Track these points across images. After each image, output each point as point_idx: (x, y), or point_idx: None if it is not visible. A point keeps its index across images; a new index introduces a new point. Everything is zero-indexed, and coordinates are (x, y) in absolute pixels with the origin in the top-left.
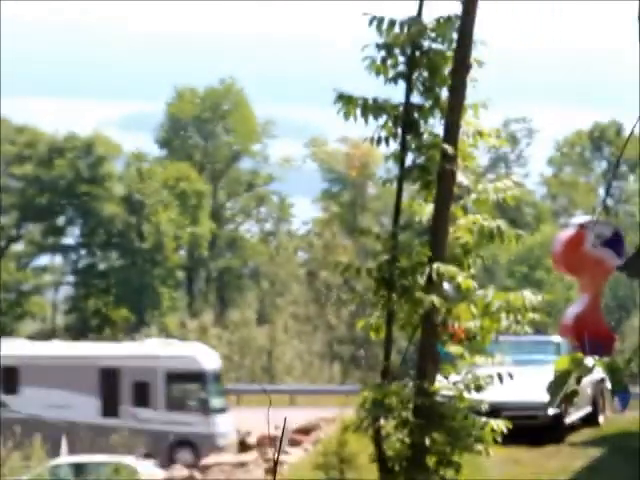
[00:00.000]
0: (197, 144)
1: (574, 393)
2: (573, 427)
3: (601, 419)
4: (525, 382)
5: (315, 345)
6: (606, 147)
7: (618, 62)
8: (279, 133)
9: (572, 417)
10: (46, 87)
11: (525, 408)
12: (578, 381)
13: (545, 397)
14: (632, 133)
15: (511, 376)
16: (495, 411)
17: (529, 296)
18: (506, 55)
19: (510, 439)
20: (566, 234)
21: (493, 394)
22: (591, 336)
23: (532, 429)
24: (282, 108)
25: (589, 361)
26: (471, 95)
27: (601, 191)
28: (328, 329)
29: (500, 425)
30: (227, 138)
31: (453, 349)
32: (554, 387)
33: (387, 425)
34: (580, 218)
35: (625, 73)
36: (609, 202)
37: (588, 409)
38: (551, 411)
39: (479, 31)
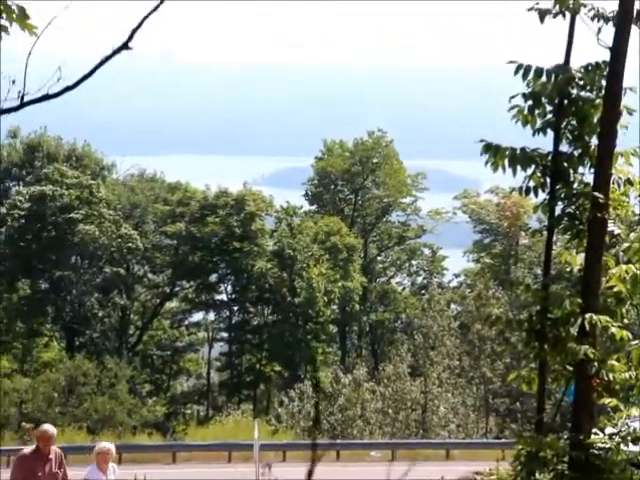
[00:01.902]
0: (347, 198)
1: None
2: None
3: None
4: None
5: (470, 398)
6: None
7: None
8: (429, 186)
9: None
10: (198, 144)
11: None
12: None
13: None
14: None
15: None
16: None
17: None
18: None
19: None
20: None
21: None
22: None
23: None
24: (431, 161)
25: None
26: (622, 142)
27: None
28: (483, 382)
29: None
30: (377, 191)
31: (608, 401)
32: None
33: (543, 478)
34: None
35: None
36: None
37: None
38: None
39: (629, 77)
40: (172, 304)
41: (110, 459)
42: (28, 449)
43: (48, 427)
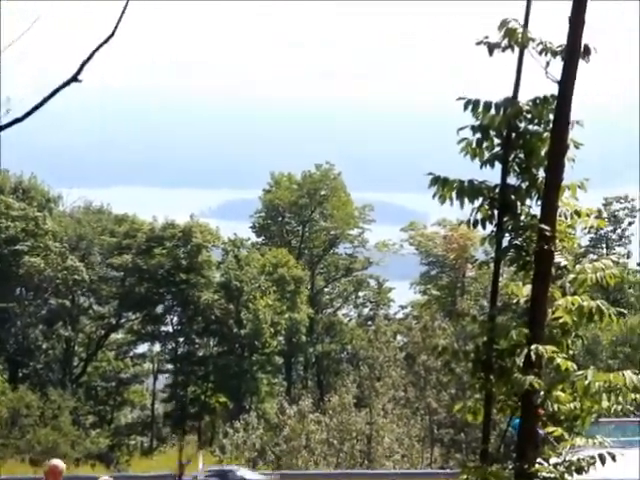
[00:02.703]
0: (294, 230)
1: None
2: None
3: None
4: (629, 463)
5: (415, 429)
6: None
7: None
8: (376, 218)
9: None
10: (146, 177)
11: None
12: None
13: None
14: None
15: (613, 457)
16: None
17: (630, 376)
18: (609, 132)
19: None
20: None
21: (596, 476)
22: None
23: None
24: (379, 193)
25: None
26: (569, 175)
27: None
28: (428, 412)
29: None
30: (324, 223)
31: (553, 430)
32: None
33: None
34: None
35: None
36: None
37: None
38: None
39: (576, 111)
40: (117, 335)
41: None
42: None
43: (58, 462)
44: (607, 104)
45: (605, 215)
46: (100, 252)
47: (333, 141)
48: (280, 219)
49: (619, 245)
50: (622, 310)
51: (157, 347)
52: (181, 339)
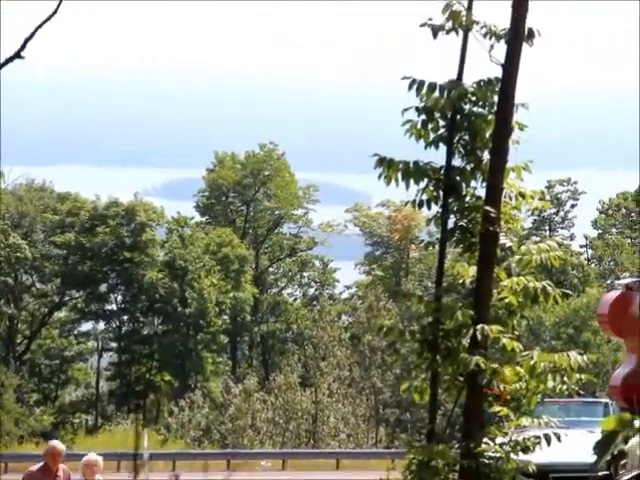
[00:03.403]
0: (238, 209)
1: (622, 453)
2: None
3: None
4: (574, 443)
5: (360, 408)
6: None
7: None
8: (321, 198)
9: (622, 478)
10: (88, 155)
11: (575, 470)
12: (625, 441)
13: (594, 458)
14: None
15: (559, 437)
16: (544, 473)
17: (574, 356)
18: (551, 114)
19: None
20: (612, 295)
21: (542, 456)
22: None
23: None
24: (323, 174)
25: (637, 421)
26: (514, 157)
27: None
28: (373, 392)
29: None
30: (269, 203)
31: (499, 410)
32: (601, 447)
33: None
34: (626, 279)
35: None
36: None
37: (639, 470)
38: (601, 473)
39: (520, 93)
40: (61, 314)
41: (98, 471)
42: (36, 466)
43: (57, 444)
44: (550, 86)
45: (548, 197)
46: (43, 230)
47: (281, 122)
48: (224, 199)
49: (562, 227)
50: (567, 291)
51: (101, 325)
52: (125, 317)
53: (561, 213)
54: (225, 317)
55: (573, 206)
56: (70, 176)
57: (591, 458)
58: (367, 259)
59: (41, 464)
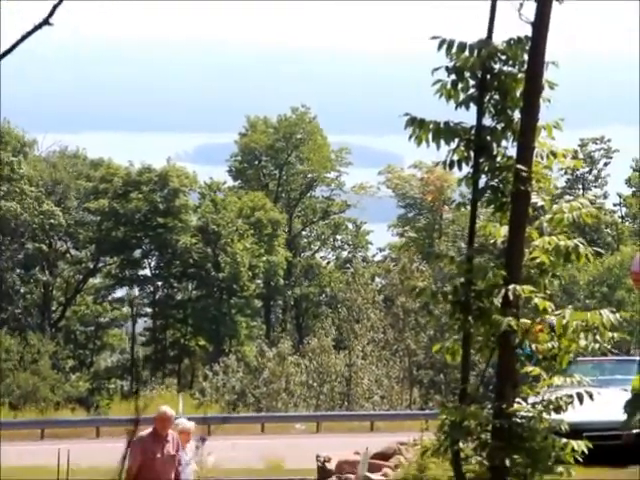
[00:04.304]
0: (271, 173)
1: None
2: None
3: None
4: (608, 402)
5: (394, 370)
6: None
7: None
8: (353, 161)
9: None
10: (121, 121)
11: (608, 428)
12: None
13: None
14: None
15: (591, 396)
16: (577, 432)
17: (607, 315)
18: (586, 73)
19: (594, 460)
20: None
21: (575, 415)
22: None
23: (616, 449)
24: (356, 136)
25: None
26: (546, 116)
27: None
28: (407, 354)
29: (581, 445)
30: (301, 167)
31: (531, 370)
32: (631, 406)
33: (466, 448)
34: None
35: None
36: None
37: None
38: (635, 430)
39: (552, 51)
40: (95, 280)
41: (191, 438)
42: (145, 432)
43: (167, 409)
44: (584, 47)
45: (581, 156)
46: (76, 197)
47: (309, 84)
48: (257, 163)
49: (595, 186)
50: (599, 250)
51: (135, 291)
52: (159, 283)
53: (594, 171)
54: (258, 281)
55: (606, 164)
56: (103, 143)
57: (624, 416)
58: (400, 221)
59: (150, 430)
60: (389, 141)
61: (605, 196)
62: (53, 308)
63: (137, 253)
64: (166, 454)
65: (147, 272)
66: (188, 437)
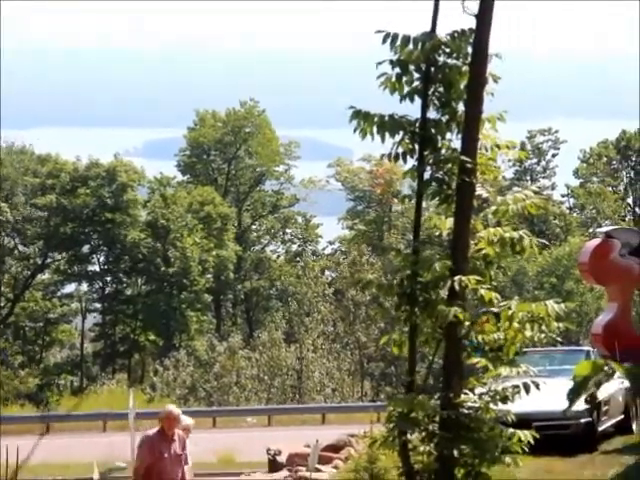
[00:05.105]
0: (220, 168)
1: (593, 397)
2: (606, 436)
3: (634, 427)
4: (556, 392)
5: (345, 363)
6: (633, 156)
7: None
8: (302, 154)
9: (604, 425)
10: (67, 116)
11: (556, 418)
12: (597, 386)
13: (578, 406)
14: None
15: (537, 386)
16: (525, 422)
17: (552, 305)
18: (530, 65)
19: (542, 449)
20: (593, 244)
21: (523, 405)
22: (622, 344)
23: (564, 439)
24: (304, 130)
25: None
26: (488, 109)
27: (629, 200)
28: (357, 346)
29: (527, 435)
30: (250, 161)
31: (477, 361)
32: (573, 393)
33: (414, 439)
34: (607, 227)
35: None
36: (637, 210)
37: (621, 417)
38: (583, 420)
39: (495, 44)
40: (44, 276)
41: (189, 434)
42: (152, 430)
43: (173, 408)
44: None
45: (529, 147)
46: (24, 192)
47: (256, 79)
48: (205, 157)
49: (544, 177)
50: (544, 241)
51: (84, 286)
52: (108, 278)
53: (542, 163)
54: (208, 275)
55: (554, 155)
56: (50, 138)
57: (575, 406)
58: (349, 214)
59: (156, 428)
60: (338, 134)
61: (553, 187)
62: (1, 304)
63: (86, 248)
64: (173, 453)
65: (96, 267)
66: (188, 434)
